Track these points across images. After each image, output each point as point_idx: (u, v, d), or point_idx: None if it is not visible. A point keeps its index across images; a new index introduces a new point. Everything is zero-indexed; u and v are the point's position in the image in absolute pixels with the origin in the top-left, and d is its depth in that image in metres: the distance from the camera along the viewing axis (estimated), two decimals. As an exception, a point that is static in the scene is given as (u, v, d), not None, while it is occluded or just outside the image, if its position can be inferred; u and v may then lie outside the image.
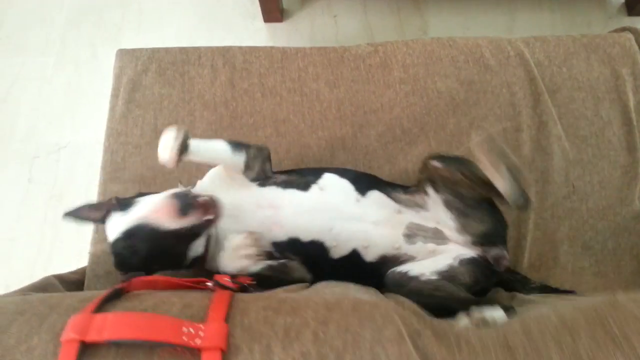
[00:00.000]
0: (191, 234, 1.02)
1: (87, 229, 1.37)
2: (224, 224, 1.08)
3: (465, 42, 1.50)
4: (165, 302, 0.75)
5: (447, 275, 1.09)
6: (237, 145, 1.18)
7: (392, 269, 1.13)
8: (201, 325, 0.67)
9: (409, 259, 1.15)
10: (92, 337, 0.64)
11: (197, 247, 1.08)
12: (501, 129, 1.40)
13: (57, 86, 2.23)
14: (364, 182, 1.22)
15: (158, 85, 1.49)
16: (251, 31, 2.28)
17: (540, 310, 0.87)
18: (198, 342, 0.64)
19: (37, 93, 2.23)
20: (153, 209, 1.01)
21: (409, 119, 1.44)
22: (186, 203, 1.00)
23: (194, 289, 0.90)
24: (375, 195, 1.20)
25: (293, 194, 1.17)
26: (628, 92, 1.44)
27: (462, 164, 1.14)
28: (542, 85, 1.44)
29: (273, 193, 1.17)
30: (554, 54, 1.48)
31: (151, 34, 2.31)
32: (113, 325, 0.66)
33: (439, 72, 1.46)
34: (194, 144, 1.10)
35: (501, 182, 1.03)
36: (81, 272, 1.36)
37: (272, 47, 1.54)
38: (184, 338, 0.64)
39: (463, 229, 1.14)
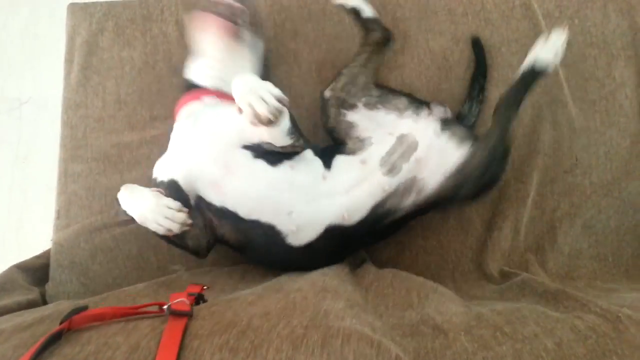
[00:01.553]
0: None
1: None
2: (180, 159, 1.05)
3: (465, -11, 1.31)
4: (109, 345, 0.68)
5: None
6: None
7: None
8: None
9: (409, 184, 1.09)
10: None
11: None
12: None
13: (13, 33, 2.02)
14: (327, 153, 1.12)
15: (117, 48, 1.33)
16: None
17: (534, 328, 0.78)
18: None
19: (-10, 41, 2.03)
20: None
21: (396, 82, 1.29)
22: None
23: (146, 313, 0.81)
24: (338, 161, 1.10)
25: (257, 167, 1.02)
26: (646, 48, 1.29)
27: None
28: (549, 41, 1.28)
29: (239, 157, 1.02)
30: (566, 3, 1.30)
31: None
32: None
33: (433, 28, 1.30)
34: None
35: None
36: (46, 256, 1.29)
37: (244, -2, 1.35)
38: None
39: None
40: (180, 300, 0.81)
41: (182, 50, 1.30)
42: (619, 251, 1.23)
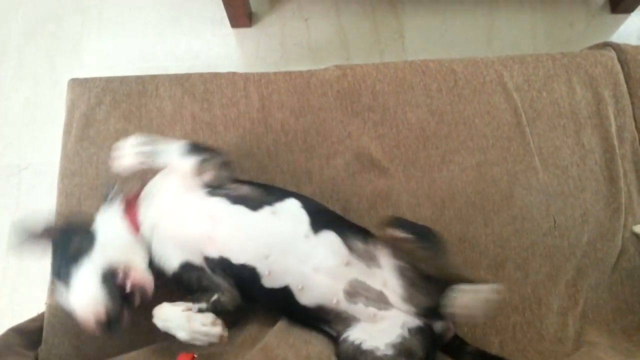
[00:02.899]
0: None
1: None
2: (162, 228, 1.10)
3: (439, 67, 1.41)
4: None
5: (402, 348, 1.00)
6: (192, 146, 1.14)
7: (345, 336, 1.05)
8: None
9: (352, 319, 1.07)
10: None
11: None
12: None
13: (15, 103, 2.11)
14: (323, 219, 1.13)
15: (113, 120, 1.40)
16: (219, 37, 2.16)
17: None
18: None
19: (-7, 111, 2.11)
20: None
21: (377, 150, 1.37)
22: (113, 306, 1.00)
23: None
24: (329, 237, 1.10)
25: (238, 212, 1.10)
26: (610, 116, 1.37)
27: (427, 238, 1.07)
28: (520, 112, 1.37)
29: (218, 205, 1.10)
30: (534, 77, 1.40)
31: (113, 42, 2.17)
32: None
33: (410, 101, 1.38)
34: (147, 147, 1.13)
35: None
36: (41, 319, 1.30)
37: (234, 74, 1.45)
38: None
39: (409, 299, 1.05)
40: None
41: (174, 125, 1.38)
42: (597, 308, 1.28)
